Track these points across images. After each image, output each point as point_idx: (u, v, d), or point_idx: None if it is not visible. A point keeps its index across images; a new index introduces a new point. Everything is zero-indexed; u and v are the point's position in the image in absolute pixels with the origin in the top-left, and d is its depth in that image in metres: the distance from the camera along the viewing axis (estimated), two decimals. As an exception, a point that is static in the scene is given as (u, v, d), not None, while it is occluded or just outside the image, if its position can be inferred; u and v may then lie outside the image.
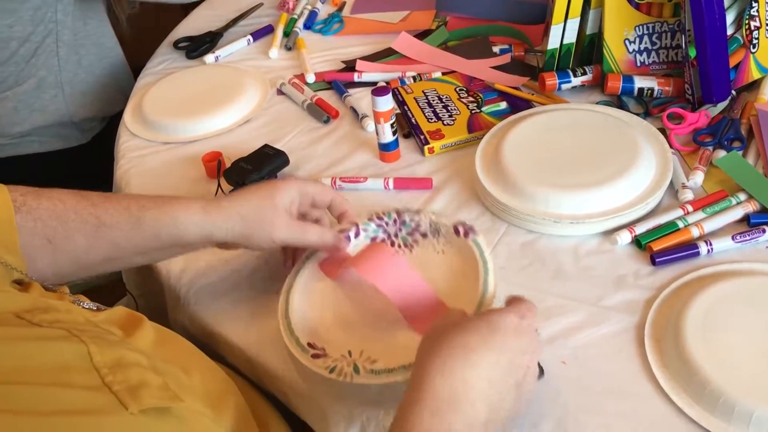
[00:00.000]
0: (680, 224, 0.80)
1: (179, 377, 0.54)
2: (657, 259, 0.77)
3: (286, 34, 1.32)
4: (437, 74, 1.13)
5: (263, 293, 0.80)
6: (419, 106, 1.05)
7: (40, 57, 1.32)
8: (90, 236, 0.68)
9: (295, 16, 1.35)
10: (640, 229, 0.80)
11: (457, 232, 0.72)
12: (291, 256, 0.79)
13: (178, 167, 1.03)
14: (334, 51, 1.26)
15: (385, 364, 0.64)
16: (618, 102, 1.02)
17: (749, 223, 0.79)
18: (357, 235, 0.76)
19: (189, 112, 1.11)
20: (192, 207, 0.70)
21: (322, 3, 1.41)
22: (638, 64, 1.03)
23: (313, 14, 1.36)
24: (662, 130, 0.92)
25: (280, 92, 1.16)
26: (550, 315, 0.73)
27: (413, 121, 1.02)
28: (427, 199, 0.91)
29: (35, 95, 1.34)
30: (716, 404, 0.62)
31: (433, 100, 1.06)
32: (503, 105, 1.04)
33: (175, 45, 1.33)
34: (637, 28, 1.01)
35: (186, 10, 1.50)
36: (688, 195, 0.84)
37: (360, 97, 1.11)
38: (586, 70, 1.05)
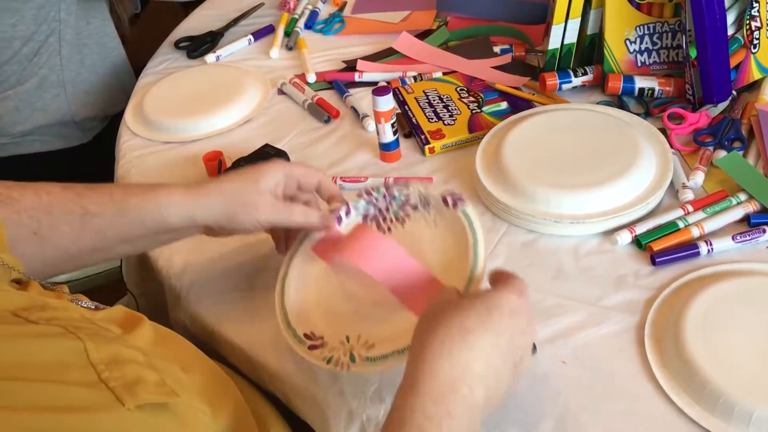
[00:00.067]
0: (680, 224, 0.80)
1: (176, 374, 0.54)
2: (657, 259, 0.77)
3: (287, 33, 1.32)
4: (438, 74, 1.13)
5: (264, 293, 0.80)
6: (420, 106, 1.05)
7: (42, 56, 1.32)
8: (76, 226, 0.68)
9: (296, 16, 1.35)
10: (640, 229, 0.80)
11: (445, 202, 0.70)
12: (284, 241, 0.79)
13: (178, 167, 1.03)
14: (334, 51, 1.26)
15: (382, 348, 0.63)
16: (619, 102, 1.02)
17: (749, 224, 0.79)
18: (348, 213, 0.75)
19: (190, 112, 1.11)
20: (175, 190, 0.70)
21: (323, 3, 1.41)
22: (639, 65, 1.03)
23: (314, 14, 1.36)
24: (663, 130, 0.92)
25: (280, 92, 1.16)
26: (550, 315, 0.73)
27: (414, 120, 1.02)
28: (428, 198, 0.91)
29: (37, 94, 1.34)
30: (716, 404, 0.62)
31: (434, 100, 1.06)
32: (504, 105, 1.04)
33: (176, 45, 1.33)
34: (637, 29, 1.01)
35: (187, 9, 1.50)
36: (689, 195, 0.84)
37: (361, 97, 1.11)
38: (587, 70, 1.05)
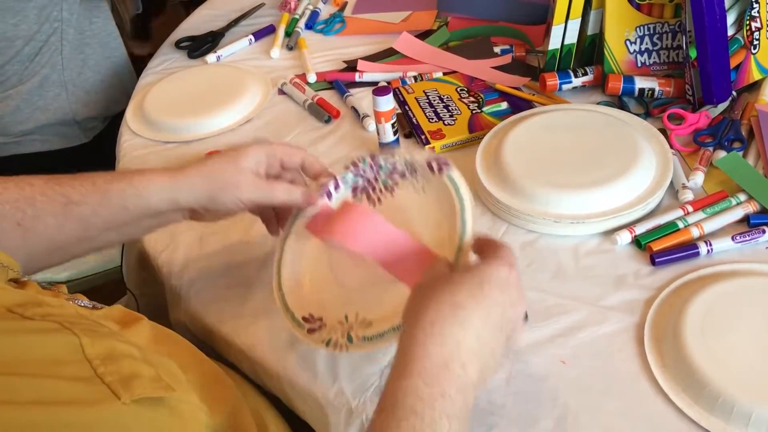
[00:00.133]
0: (680, 224, 0.80)
1: (173, 369, 0.54)
2: (657, 259, 0.77)
3: (288, 34, 1.32)
4: (438, 74, 1.13)
5: (264, 292, 0.80)
6: (420, 106, 1.05)
7: (44, 55, 1.32)
8: (59, 215, 0.68)
9: (297, 16, 1.35)
10: (640, 229, 0.80)
11: (430, 168, 0.68)
12: (275, 222, 0.78)
13: (179, 166, 1.03)
14: (335, 51, 1.26)
15: (379, 326, 0.63)
16: (619, 102, 1.02)
17: (749, 224, 0.80)
18: (336, 187, 0.74)
19: (190, 112, 1.11)
20: (157, 174, 0.70)
21: (324, 3, 1.41)
22: (639, 65, 1.03)
23: (314, 14, 1.36)
24: (663, 131, 0.92)
25: (281, 92, 1.16)
26: (550, 315, 0.73)
27: (414, 121, 1.02)
28: (428, 198, 0.91)
29: (38, 93, 1.34)
30: (715, 404, 0.62)
31: (434, 100, 1.06)
32: (504, 105, 1.04)
33: (177, 45, 1.33)
34: (638, 29, 1.01)
35: (188, 9, 1.50)
36: (688, 195, 0.84)
37: (361, 97, 1.11)
38: (587, 70, 1.05)
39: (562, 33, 1.04)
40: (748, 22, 0.94)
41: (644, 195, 0.82)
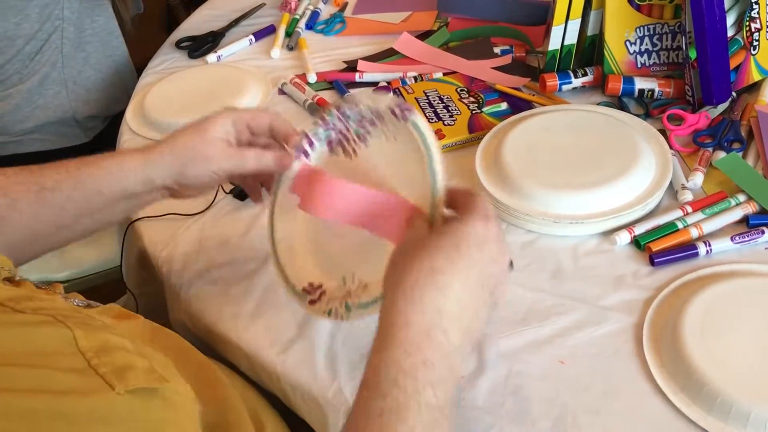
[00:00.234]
0: (679, 225, 0.80)
1: (166, 363, 0.54)
2: (656, 260, 0.77)
3: (288, 34, 1.32)
4: (438, 75, 1.13)
5: (264, 292, 0.80)
6: (420, 107, 1.05)
7: (45, 54, 1.32)
8: (33, 203, 0.68)
9: (297, 17, 1.35)
10: (639, 229, 0.80)
11: (394, 114, 0.64)
12: (258, 189, 0.77)
13: (179, 166, 1.03)
14: (335, 51, 1.26)
15: (374, 289, 0.61)
16: (618, 103, 1.02)
17: (748, 225, 0.80)
18: (311, 144, 0.72)
19: (191, 111, 1.10)
20: (129, 154, 0.70)
21: (324, 3, 1.41)
22: (639, 66, 1.03)
23: (315, 14, 1.36)
24: (662, 132, 0.92)
25: (281, 92, 1.16)
26: (548, 315, 0.73)
27: (414, 121, 1.02)
28: (428, 198, 0.91)
29: (38, 92, 1.34)
30: (714, 404, 0.62)
31: (434, 101, 1.06)
32: (504, 105, 1.04)
33: (178, 44, 1.33)
34: (637, 30, 1.01)
35: (188, 9, 1.51)
36: (688, 196, 0.84)
37: (361, 97, 1.11)
38: (587, 71, 1.05)
39: (562, 33, 1.04)
40: (747, 23, 0.94)
41: (644, 195, 0.82)
